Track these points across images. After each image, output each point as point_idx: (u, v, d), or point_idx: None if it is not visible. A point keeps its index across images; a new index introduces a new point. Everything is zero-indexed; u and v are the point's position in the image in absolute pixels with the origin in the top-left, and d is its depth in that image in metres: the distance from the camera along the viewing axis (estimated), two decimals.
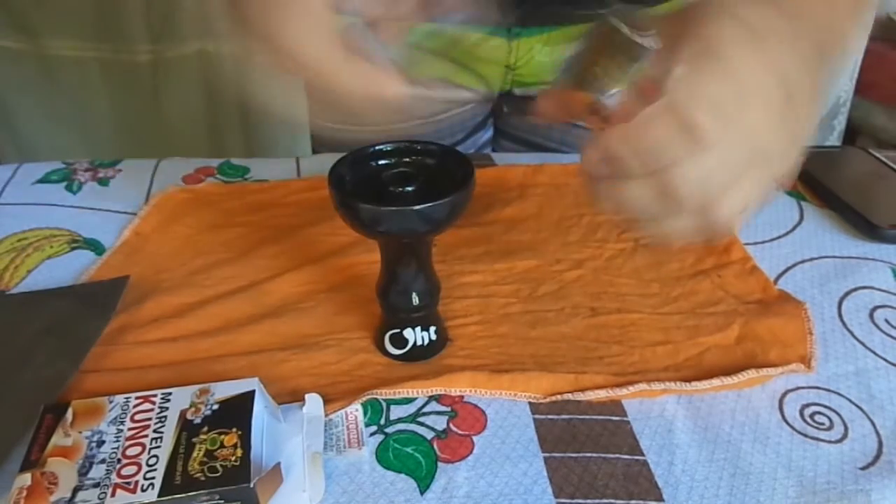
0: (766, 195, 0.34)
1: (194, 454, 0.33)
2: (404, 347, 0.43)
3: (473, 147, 0.80)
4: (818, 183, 0.62)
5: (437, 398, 0.41)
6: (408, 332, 0.43)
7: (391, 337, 0.43)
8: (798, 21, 0.34)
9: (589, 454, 0.38)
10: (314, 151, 0.80)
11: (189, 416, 0.35)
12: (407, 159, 0.42)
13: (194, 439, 0.34)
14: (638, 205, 0.33)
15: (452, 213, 0.38)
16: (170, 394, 0.37)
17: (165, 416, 0.35)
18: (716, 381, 0.41)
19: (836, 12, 0.38)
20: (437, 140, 0.75)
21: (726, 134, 0.31)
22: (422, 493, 0.36)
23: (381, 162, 0.42)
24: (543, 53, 0.70)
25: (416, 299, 0.42)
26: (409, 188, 0.39)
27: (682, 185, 0.32)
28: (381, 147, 0.42)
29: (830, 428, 0.40)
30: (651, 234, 0.35)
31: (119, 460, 0.33)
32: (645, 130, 0.31)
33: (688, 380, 0.42)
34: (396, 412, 0.40)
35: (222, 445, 0.34)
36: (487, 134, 0.82)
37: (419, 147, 0.42)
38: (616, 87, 0.33)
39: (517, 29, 0.69)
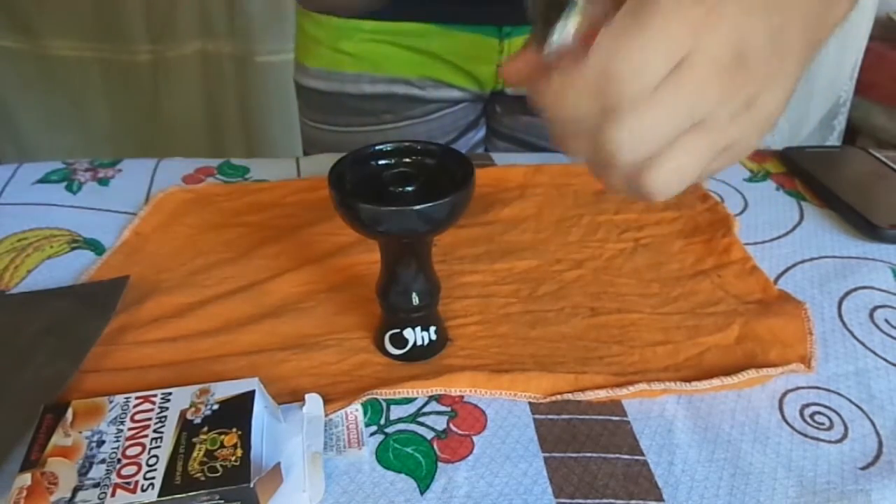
0: (714, 164, 0.32)
1: (194, 454, 0.33)
2: (404, 347, 0.43)
3: (466, 146, 0.80)
4: (818, 183, 0.62)
5: (437, 398, 0.41)
6: (408, 332, 0.43)
7: (391, 337, 0.43)
8: None
9: (589, 454, 0.38)
10: (305, 153, 0.80)
11: (189, 416, 0.35)
12: (407, 159, 0.42)
13: (194, 439, 0.34)
14: (581, 154, 0.31)
15: (452, 213, 0.38)
16: (170, 394, 0.37)
17: (165, 416, 0.35)
18: (716, 381, 0.41)
19: None
20: (431, 139, 0.76)
21: (654, 95, 0.29)
22: (422, 493, 0.36)
23: (381, 162, 0.42)
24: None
25: (416, 299, 0.42)
26: (409, 188, 0.39)
27: (607, 143, 0.29)
28: (381, 147, 0.42)
29: (830, 428, 0.40)
30: (599, 180, 0.33)
31: (119, 460, 0.33)
32: (570, 86, 0.29)
33: (688, 380, 0.42)
34: (396, 412, 0.40)
35: (222, 445, 0.34)
36: (480, 133, 0.81)
37: (419, 147, 0.42)
38: (557, 38, 0.31)
39: (508, 28, 0.68)
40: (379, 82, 0.71)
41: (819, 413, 0.41)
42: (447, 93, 0.73)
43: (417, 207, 0.36)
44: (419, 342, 0.43)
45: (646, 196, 0.32)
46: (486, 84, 0.74)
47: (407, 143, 0.42)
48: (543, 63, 0.32)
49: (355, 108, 0.72)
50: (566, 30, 0.31)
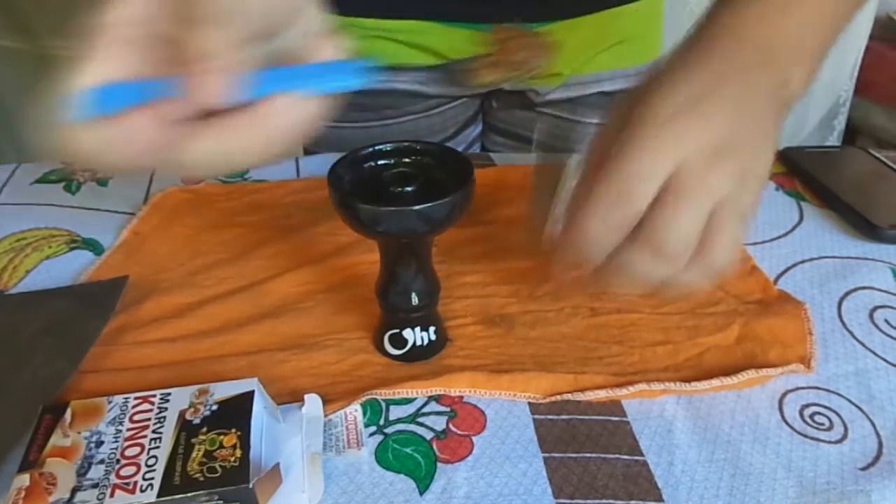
0: (745, 226, 0.38)
1: (193, 454, 0.33)
2: (403, 347, 0.43)
3: (464, 142, 0.81)
4: (818, 183, 0.62)
5: (436, 398, 0.41)
6: (407, 333, 0.43)
7: (390, 337, 0.43)
8: (745, 73, 0.38)
9: (589, 454, 0.38)
10: (306, 152, 0.81)
11: (188, 417, 0.35)
12: (406, 159, 0.42)
13: (193, 440, 0.34)
14: (641, 272, 0.37)
15: (452, 214, 0.38)
16: (169, 394, 0.37)
17: (164, 417, 0.35)
18: (716, 382, 0.41)
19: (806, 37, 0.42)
20: (428, 134, 0.76)
21: (676, 183, 0.35)
22: (421, 493, 0.36)
23: (381, 162, 0.42)
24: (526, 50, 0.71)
25: (415, 299, 0.42)
26: (409, 188, 0.39)
27: (662, 238, 0.35)
28: (380, 147, 0.42)
29: (830, 428, 0.40)
30: (673, 292, 0.39)
31: (118, 461, 0.33)
32: (585, 218, 0.36)
33: (688, 380, 0.42)
34: (396, 412, 0.40)
35: (221, 446, 0.34)
36: (477, 129, 0.83)
37: (419, 147, 0.42)
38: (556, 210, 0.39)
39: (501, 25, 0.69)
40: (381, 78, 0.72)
41: (819, 413, 0.41)
42: (447, 89, 0.75)
43: (417, 207, 0.36)
44: (419, 342, 0.43)
45: (721, 272, 0.38)
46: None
47: (406, 143, 0.42)
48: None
49: (356, 103, 0.74)
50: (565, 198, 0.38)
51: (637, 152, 0.35)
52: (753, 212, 0.38)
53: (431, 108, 0.76)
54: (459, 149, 0.78)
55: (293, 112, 0.29)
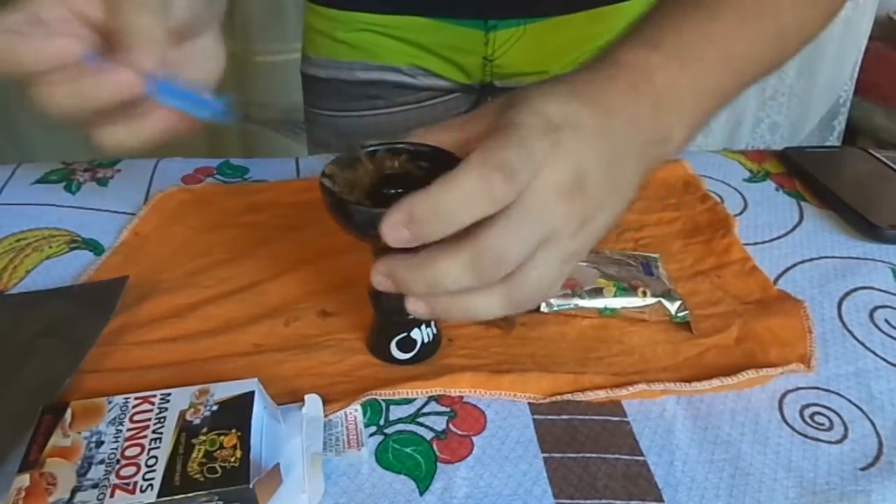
0: (564, 271, 0.35)
1: (193, 455, 0.33)
2: (412, 350, 0.43)
3: None
4: (818, 183, 0.62)
5: (436, 398, 0.41)
6: (415, 333, 0.43)
7: (399, 342, 0.43)
8: (632, 120, 0.36)
9: (589, 454, 0.38)
10: (308, 138, 0.84)
11: (188, 417, 0.35)
12: (398, 161, 0.42)
13: (193, 440, 0.34)
14: (448, 278, 0.33)
15: None
16: (169, 394, 0.37)
17: (164, 417, 0.35)
18: (716, 382, 0.41)
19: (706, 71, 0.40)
20: (420, 126, 0.77)
21: (519, 201, 0.32)
22: (421, 493, 0.36)
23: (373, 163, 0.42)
24: (520, 46, 0.73)
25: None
26: (402, 190, 0.39)
27: (486, 247, 0.32)
28: (372, 149, 0.42)
29: (830, 428, 0.40)
30: (458, 312, 0.35)
31: (118, 461, 0.33)
32: (447, 189, 0.32)
33: (688, 380, 0.42)
34: (396, 413, 0.40)
35: (221, 446, 0.34)
36: None
37: (411, 148, 0.42)
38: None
39: (493, 21, 0.71)
40: (371, 69, 0.75)
41: (819, 413, 0.41)
42: (436, 82, 0.76)
43: None
44: (426, 339, 0.43)
45: (521, 306, 0.34)
46: (474, 75, 0.77)
47: (399, 145, 0.42)
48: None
49: (350, 93, 0.77)
50: None
51: (490, 160, 0.32)
52: (579, 259, 0.36)
53: (422, 101, 0.77)
54: None
55: (168, 120, 0.38)
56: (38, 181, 0.63)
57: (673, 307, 0.46)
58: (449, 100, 0.78)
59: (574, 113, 0.35)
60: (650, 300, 0.46)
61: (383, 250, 0.36)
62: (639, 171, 0.37)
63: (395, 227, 0.33)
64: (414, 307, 0.35)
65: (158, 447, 0.34)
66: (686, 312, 0.46)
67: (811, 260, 0.54)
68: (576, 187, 0.34)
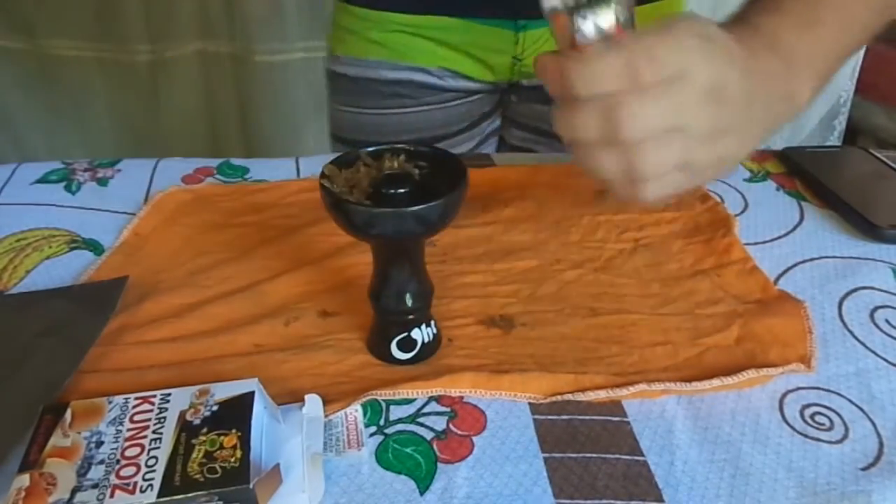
0: (677, 176, 0.39)
1: (193, 455, 0.33)
2: (413, 350, 0.43)
3: (481, 136, 0.83)
4: (818, 183, 0.62)
5: (436, 399, 0.41)
6: (415, 333, 0.43)
7: (399, 342, 0.43)
8: (768, 46, 0.41)
9: (589, 454, 0.38)
10: (333, 136, 0.84)
11: (188, 417, 0.35)
12: (397, 162, 0.42)
13: (193, 440, 0.34)
14: (580, 129, 0.37)
15: (445, 215, 0.38)
16: (169, 394, 0.37)
17: (165, 417, 0.35)
18: (716, 382, 0.41)
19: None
20: (443, 126, 0.78)
21: (662, 91, 0.36)
22: (421, 493, 0.36)
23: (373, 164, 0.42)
24: (550, 45, 0.72)
25: (410, 300, 0.42)
26: (402, 190, 0.39)
27: (615, 118, 0.36)
28: (371, 150, 0.42)
29: (831, 428, 0.40)
30: (582, 165, 0.39)
31: (118, 461, 0.33)
32: (597, 58, 0.36)
33: (688, 380, 0.41)
34: (396, 413, 0.40)
35: (222, 446, 0.34)
36: (495, 123, 0.85)
37: (411, 149, 0.42)
38: (592, 14, 0.37)
39: (523, 21, 0.72)
40: (399, 69, 0.76)
41: (819, 413, 0.41)
42: (464, 83, 0.77)
43: (411, 209, 0.36)
44: (426, 339, 0.43)
45: (634, 178, 0.38)
46: (503, 74, 0.77)
47: (399, 145, 0.42)
48: (565, 33, 0.37)
49: (378, 91, 0.77)
50: (597, 23, 0.37)
51: (638, 47, 0.36)
52: (703, 178, 0.40)
53: (447, 101, 0.78)
54: (472, 143, 0.81)
55: None
56: (39, 181, 0.63)
57: None
58: (473, 100, 0.79)
59: (726, 38, 0.38)
60: None
61: None
62: (766, 120, 0.41)
63: (552, 79, 0.37)
64: (562, 124, 0.38)
65: (158, 447, 0.34)
66: None
67: (811, 260, 0.54)
68: (715, 93, 0.37)
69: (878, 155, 0.66)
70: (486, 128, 0.83)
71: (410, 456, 0.38)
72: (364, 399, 0.40)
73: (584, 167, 0.39)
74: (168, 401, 0.36)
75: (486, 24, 0.72)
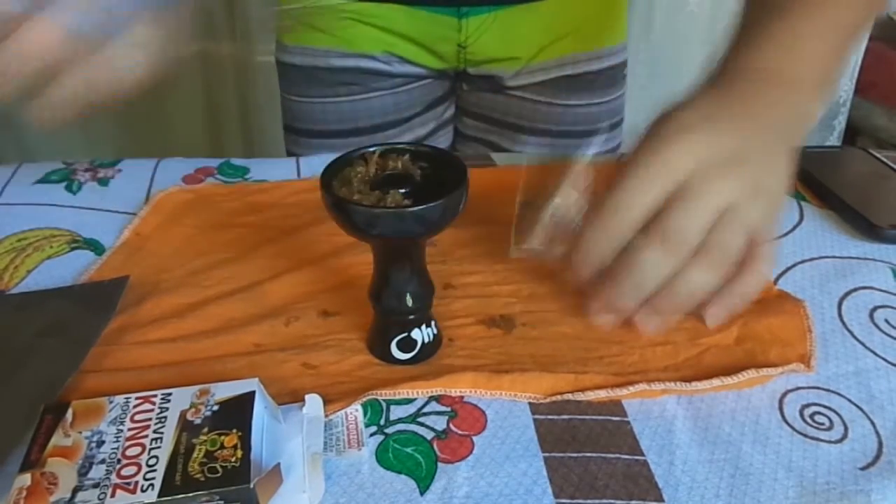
0: (739, 245, 0.41)
1: (194, 455, 0.33)
2: (413, 350, 0.43)
3: (435, 121, 0.84)
4: (818, 183, 0.62)
5: (437, 398, 0.41)
6: (415, 333, 0.43)
7: (399, 342, 0.43)
8: (767, 107, 0.43)
9: (589, 454, 0.38)
10: (285, 127, 0.84)
11: (189, 417, 0.35)
12: (399, 162, 0.42)
13: (194, 440, 0.34)
14: (648, 264, 0.40)
15: (446, 215, 0.38)
16: (170, 394, 0.37)
17: (165, 417, 0.35)
18: (716, 381, 0.41)
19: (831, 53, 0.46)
20: (396, 111, 0.80)
21: (686, 184, 0.39)
22: (422, 493, 0.36)
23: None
24: (493, 32, 0.74)
25: (410, 300, 0.42)
26: (403, 190, 0.39)
27: (667, 226, 0.39)
28: (373, 149, 0.42)
29: (830, 428, 0.40)
30: (680, 296, 0.42)
31: (119, 461, 0.33)
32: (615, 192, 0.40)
33: (688, 380, 0.42)
34: (396, 412, 0.40)
35: (222, 446, 0.34)
36: (450, 111, 0.86)
37: (412, 149, 0.42)
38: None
39: (465, 9, 0.73)
40: (347, 57, 0.77)
41: (819, 413, 0.41)
42: (410, 69, 0.78)
43: (413, 209, 0.36)
44: (426, 339, 0.43)
45: (722, 267, 0.41)
46: (448, 61, 0.78)
47: (400, 146, 0.42)
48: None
49: (326, 80, 0.78)
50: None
51: (652, 156, 0.40)
52: (765, 225, 0.42)
53: (397, 87, 0.79)
54: (427, 128, 0.82)
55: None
56: (39, 181, 0.63)
57: None
58: (423, 85, 0.80)
59: (716, 104, 0.42)
60: None
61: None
62: (788, 142, 0.43)
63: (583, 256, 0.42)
64: (645, 322, 0.44)
65: (159, 447, 0.34)
66: None
67: (811, 260, 0.54)
68: (734, 159, 0.40)
69: (878, 155, 0.66)
70: (442, 113, 0.84)
71: (411, 456, 0.38)
72: (364, 399, 0.40)
73: (687, 297, 0.42)
74: (169, 400, 0.36)
75: (428, 12, 0.73)
